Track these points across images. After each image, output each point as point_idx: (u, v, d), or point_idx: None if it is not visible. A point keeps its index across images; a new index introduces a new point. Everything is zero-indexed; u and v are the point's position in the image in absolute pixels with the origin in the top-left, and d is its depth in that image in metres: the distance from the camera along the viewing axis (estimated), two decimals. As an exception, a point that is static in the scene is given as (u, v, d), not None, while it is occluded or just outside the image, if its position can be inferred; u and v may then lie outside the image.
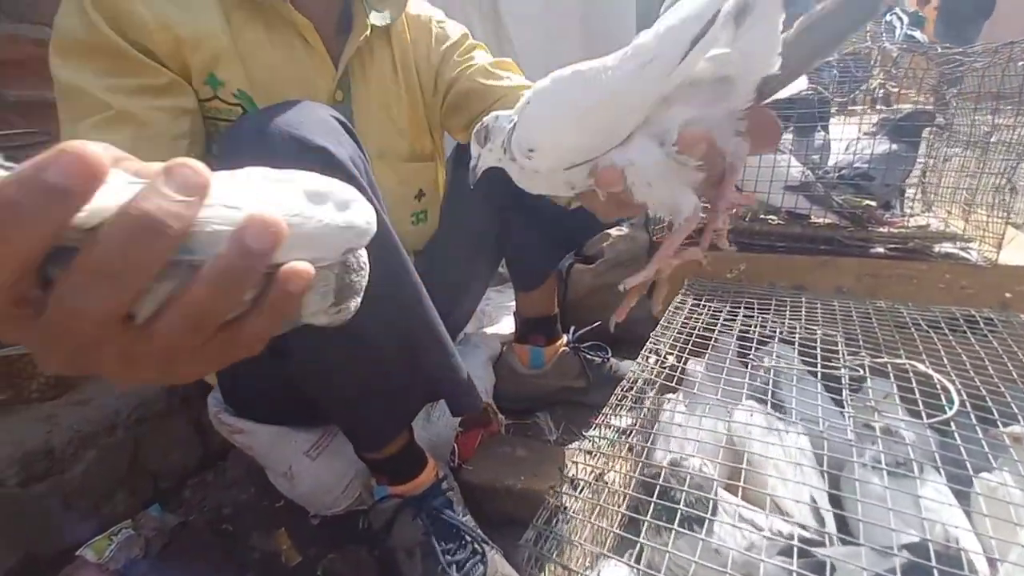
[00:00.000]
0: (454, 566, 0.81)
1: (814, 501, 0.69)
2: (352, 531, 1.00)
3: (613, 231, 1.54)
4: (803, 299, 0.95)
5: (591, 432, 1.26)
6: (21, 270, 0.20)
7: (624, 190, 0.45)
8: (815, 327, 0.90)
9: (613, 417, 1.29)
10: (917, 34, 2.50)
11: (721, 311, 0.93)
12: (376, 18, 0.85)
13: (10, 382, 1.02)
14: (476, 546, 0.83)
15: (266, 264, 0.25)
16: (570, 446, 1.20)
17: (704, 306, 0.97)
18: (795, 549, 0.51)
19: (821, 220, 1.08)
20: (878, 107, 1.40)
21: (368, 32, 0.83)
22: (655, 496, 0.62)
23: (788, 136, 1.20)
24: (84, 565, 0.91)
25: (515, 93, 0.90)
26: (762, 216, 1.17)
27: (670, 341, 0.89)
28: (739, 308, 0.95)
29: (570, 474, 0.71)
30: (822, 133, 1.24)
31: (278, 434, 0.96)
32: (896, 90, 1.34)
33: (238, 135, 0.63)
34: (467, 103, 0.94)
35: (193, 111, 0.72)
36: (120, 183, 0.23)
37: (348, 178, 0.64)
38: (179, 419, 1.14)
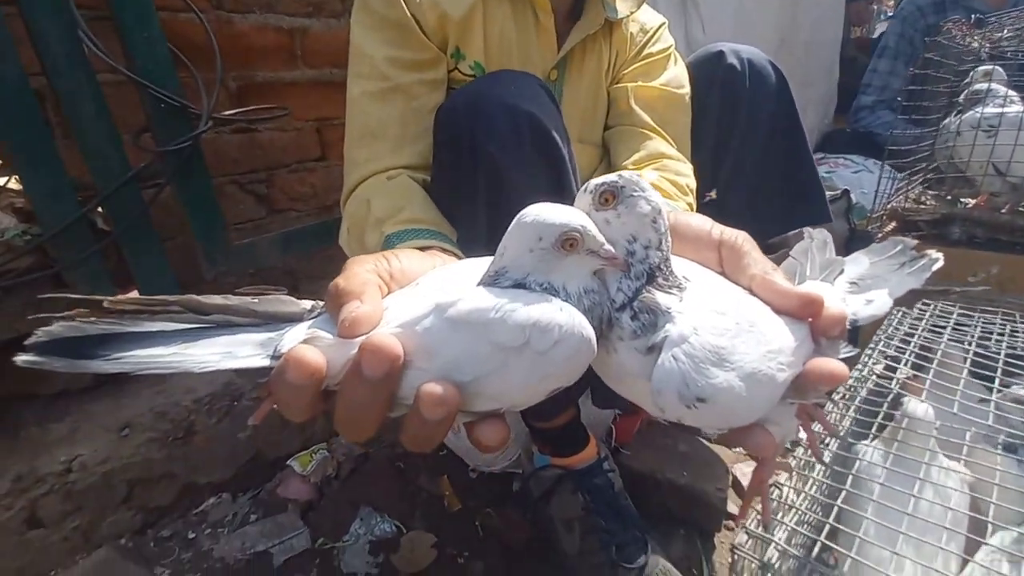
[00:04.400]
0: (614, 548, 0.80)
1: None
2: (506, 491, 1.05)
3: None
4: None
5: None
6: (308, 412, 0.34)
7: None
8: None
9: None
10: None
11: (960, 326, 0.76)
12: (611, 11, 0.83)
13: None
14: (638, 532, 0.81)
15: (447, 423, 0.34)
16: (735, 449, 1.11)
17: (935, 318, 0.80)
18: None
19: None
20: None
21: (600, 26, 0.83)
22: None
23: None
24: (292, 474, 1.08)
25: (641, 143, 0.85)
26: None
27: (884, 356, 0.76)
28: (989, 325, 0.77)
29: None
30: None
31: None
32: None
33: (456, 103, 0.67)
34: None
35: (444, 82, 0.78)
36: (344, 348, 0.34)
37: (551, 146, 0.64)
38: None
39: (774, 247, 1.42)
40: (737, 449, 1.12)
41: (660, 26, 0.93)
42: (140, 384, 1.03)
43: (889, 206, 1.03)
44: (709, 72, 0.92)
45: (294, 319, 0.37)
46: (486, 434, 0.36)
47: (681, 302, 0.38)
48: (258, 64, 1.32)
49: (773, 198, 0.96)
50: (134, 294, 1.12)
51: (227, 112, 1.17)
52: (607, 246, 0.38)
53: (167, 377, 1.05)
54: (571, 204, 0.40)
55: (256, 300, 0.36)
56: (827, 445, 0.68)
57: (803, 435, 0.51)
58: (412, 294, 0.37)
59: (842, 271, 0.49)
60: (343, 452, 1.13)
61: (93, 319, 0.32)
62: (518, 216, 0.37)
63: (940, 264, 0.48)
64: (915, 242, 0.50)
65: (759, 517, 0.51)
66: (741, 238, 0.44)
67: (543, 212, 0.36)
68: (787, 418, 0.42)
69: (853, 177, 1.77)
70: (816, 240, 0.50)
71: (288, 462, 1.09)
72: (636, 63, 0.90)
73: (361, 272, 0.37)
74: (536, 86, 0.67)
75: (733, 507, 0.95)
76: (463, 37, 0.77)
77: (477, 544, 0.96)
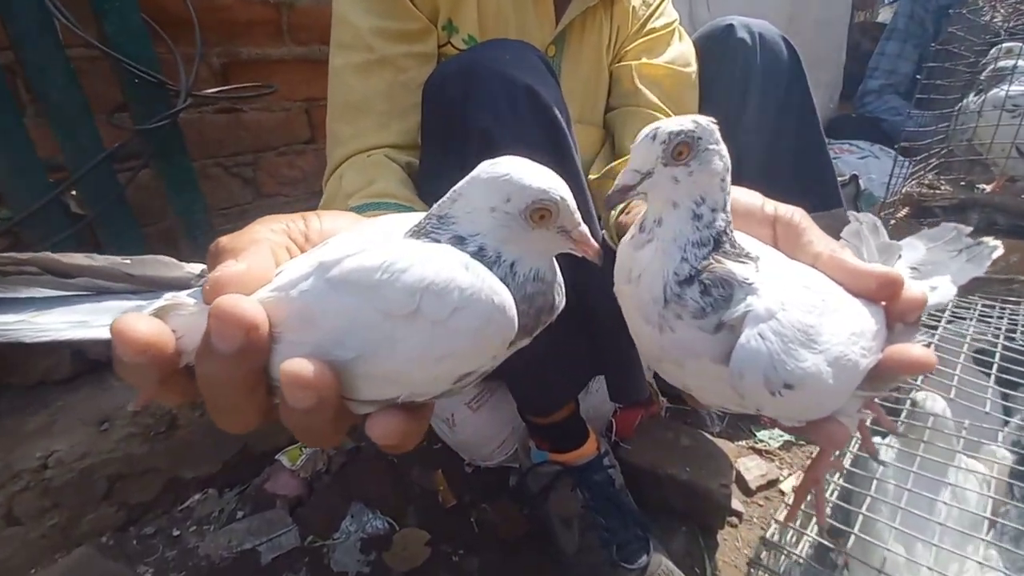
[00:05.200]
0: (614, 546, 0.77)
1: None
2: (503, 485, 1.01)
3: (810, 205, 1.32)
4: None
5: (761, 431, 1.13)
6: (164, 394, 0.29)
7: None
8: None
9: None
10: None
11: (979, 319, 0.72)
12: None
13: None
14: (639, 531, 0.78)
15: (326, 412, 0.27)
16: (738, 442, 1.08)
17: (952, 308, 0.77)
18: None
19: None
20: None
21: None
22: None
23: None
24: (281, 469, 1.05)
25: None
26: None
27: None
28: (1003, 316, 0.73)
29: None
30: None
31: (444, 382, 1.00)
32: None
33: (446, 76, 0.62)
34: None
35: (434, 56, 0.73)
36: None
37: (552, 120, 0.60)
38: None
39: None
40: (740, 442, 1.09)
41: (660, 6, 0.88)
42: (120, 376, 0.98)
43: (903, 191, 0.99)
44: (718, 47, 0.88)
45: (178, 285, 0.30)
46: (376, 428, 0.28)
47: (758, 272, 0.34)
48: (242, 40, 1.25)
49: (783, 180, 0.92)
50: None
51: (209, 90, 1.11)
52: (583, 227, 0.32)
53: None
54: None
55: (128, 262, 0.30)
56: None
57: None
58: (311, 254, 0.31)
59: (900, 256, 0.46)
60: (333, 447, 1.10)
61: None
62: (488, 164, 0.31)
63: (1000, 252, 0.46)
64: (969, 228, 0.48)
65: (776, 523, 0.48)
66: (798, 214, 0.40)
67: (519, 169, 0.30)
68: (856, 409, 0.38)
69: (860, 163, 1.72)
70: (866, 223, 0.46)
71: (277, 456, 1.05)
72: (639, 39, 0.86)
73: (260, 230, 0.32)
74: (533, 56, 0.63)
75: (737, 503, 0.92)
76: (455, 8, 0.72)
77: (472, 540, 0.93)
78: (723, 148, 0.34)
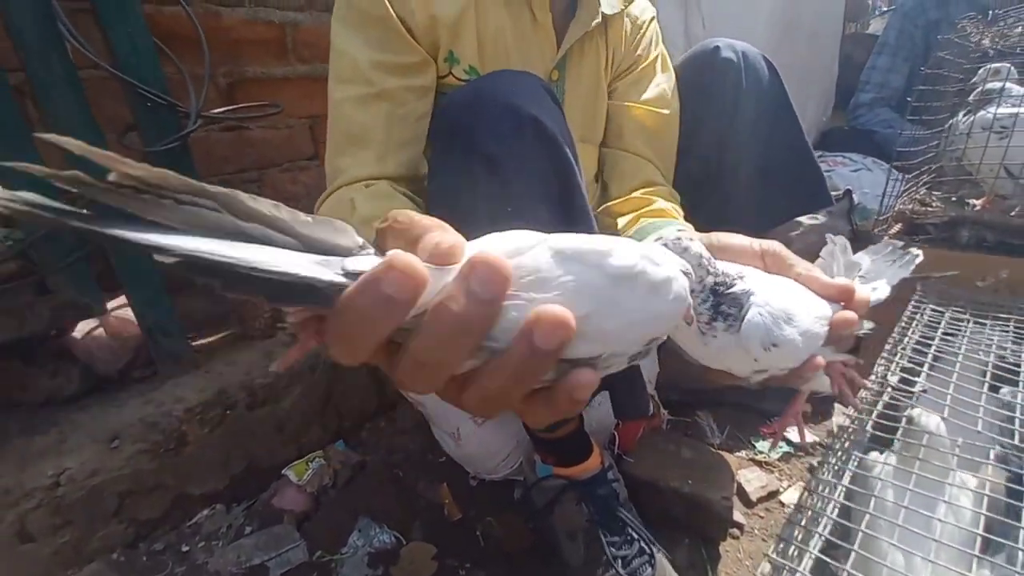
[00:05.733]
0: (619, 560, 0.79)
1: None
2: (508, 498, 1.03)
3: (805, 219, 1.35)
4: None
5: (761, 443, 1.15)
6: (372, 350, 0.27)
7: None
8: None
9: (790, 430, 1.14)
10: None
11: (973, 333, 0.74)
12: (606, 6, 0.82)
13: (239, 319, 1.21)
14: (644, 545, 0.80)
15: (553, 361, 0.28)
16: (738, 453, 1.10)
17: (945, 325, 0.79)
18: None
19: None
20: None
21: (598, 21, 0.81)
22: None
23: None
24: (287, 484, 1.06)
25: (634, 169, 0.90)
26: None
27: (895, 364, 0.74)
28: (995, 331, 0.75)
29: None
30: None
31: (449, 396, 1.01)
32: None
33: (453, 104, 0.64)
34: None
35: (432, 89, 0.75)
36: (436, 275, 0.27)
37: (557, 151, 0.62)
38: (361, 366, 1.26)
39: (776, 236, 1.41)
40: (740, 454, 1.11)
41: (651, 20, 0.93)
42: (128, 393, 0.99)
43: (896, 208, 1.02)
44: (707, 67, 0.93)
45: (339, 252, 0.29)
46: (581, 379, 0.30)
47: (748, 283, 0.50)
48: (248, 59, 1.27)
49: (778, 185, 0.97)
50: (121, 299, 1.09)
51: (217, 110, 1.13)
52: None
53: (157, 385, 1.01)
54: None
55: (309, 220, 0.28)
56: (839, 454, 0.66)
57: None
58: (483, 240, 0.32)
59: (860, 269, 0.62)
60: (339, 460, 1.11)
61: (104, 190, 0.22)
62: (673, 294, 0.35)
63: (920, 259, 0.63)
64: (902, 243, 0.66)
65: (778, 540, 0.50)
66: (778, 246, 0.56)
67: (684, 290, 0.36)
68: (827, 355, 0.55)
69: (852, 176, 1.75)
70: (839, 244, 0.62)
71: (283, 471, 1.07)
72: (628, 73, 0.90)
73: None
74: (539, 87, 0.65)
75: (738, 515, 0.94)
76: (455, 40, 0.74)
77: (478, 554, 0.94)
78: (701, 255, 0.49)
